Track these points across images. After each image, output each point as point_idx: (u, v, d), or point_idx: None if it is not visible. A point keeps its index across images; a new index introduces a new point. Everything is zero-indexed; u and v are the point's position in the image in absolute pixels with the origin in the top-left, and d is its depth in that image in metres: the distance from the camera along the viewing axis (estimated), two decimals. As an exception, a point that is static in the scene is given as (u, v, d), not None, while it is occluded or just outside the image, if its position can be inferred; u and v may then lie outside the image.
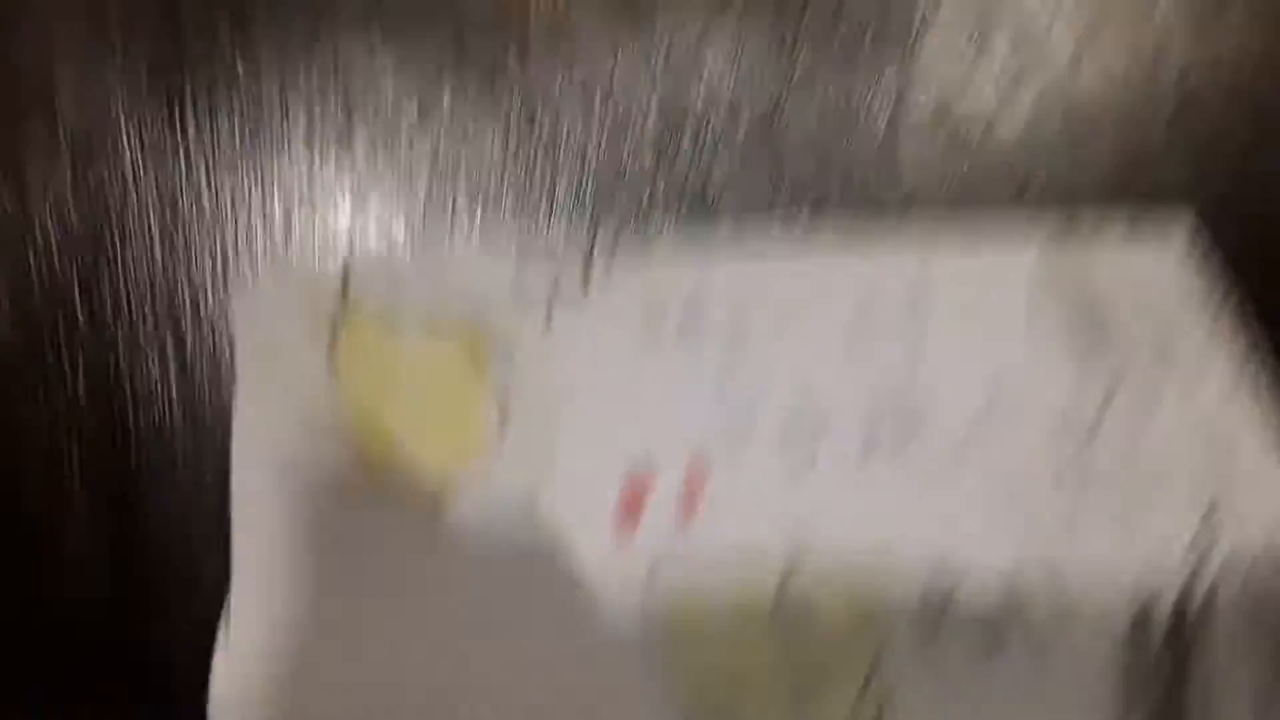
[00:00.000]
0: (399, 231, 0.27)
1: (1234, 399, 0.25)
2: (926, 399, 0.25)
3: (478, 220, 0.27)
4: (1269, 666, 0.22)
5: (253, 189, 0.27)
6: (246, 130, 0.27)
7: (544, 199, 0.27)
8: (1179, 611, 0.23)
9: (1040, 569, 0.23)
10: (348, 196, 0.27)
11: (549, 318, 0.26)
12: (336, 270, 0.26)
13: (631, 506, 0.24)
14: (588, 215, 0.27)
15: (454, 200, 0.27)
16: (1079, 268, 0.26)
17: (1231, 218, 0.27)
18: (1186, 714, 0.22)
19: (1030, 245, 0.27)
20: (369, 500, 0.24)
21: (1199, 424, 0.24)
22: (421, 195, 0.27)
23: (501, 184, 0.27)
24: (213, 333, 0.25)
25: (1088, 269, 0.27)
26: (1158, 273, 0.26)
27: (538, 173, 0.28)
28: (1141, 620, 0.23)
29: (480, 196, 0.27)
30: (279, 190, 0.27)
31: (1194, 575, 0.23)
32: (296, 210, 0.27)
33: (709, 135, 0.28)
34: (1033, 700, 0.22)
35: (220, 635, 0.22)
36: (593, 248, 0.26)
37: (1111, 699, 0.22)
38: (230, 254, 0.26)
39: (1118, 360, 0.25)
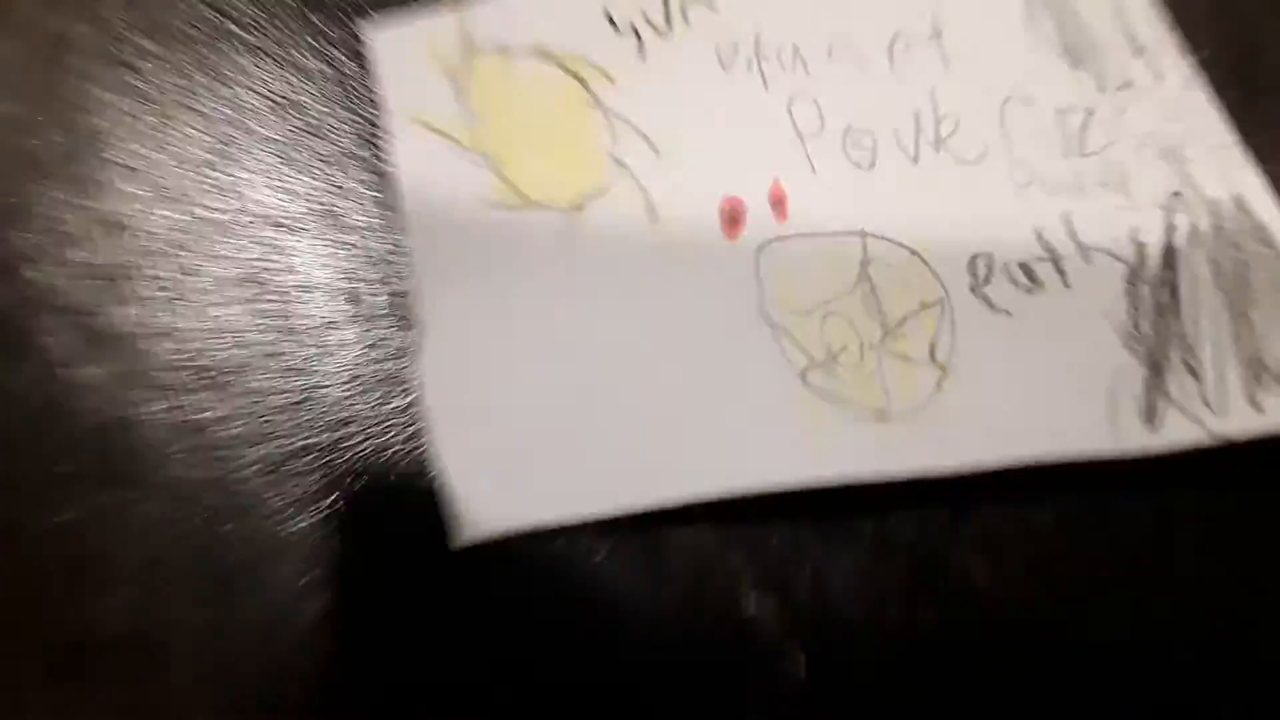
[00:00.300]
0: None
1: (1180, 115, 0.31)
2: (957, 104, 0.31)
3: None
4: (1231, 291, 0.29)
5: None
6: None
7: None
8: (1165, 249, 0.29)
9: (1060, 221, 0.29)
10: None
11: (641, 46, 0.30)
12: (455, 13, 0.30)
13: (733, 216, 0.29)
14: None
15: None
16: None
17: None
18: (1177, 322, 0.28)
19: None
20: (516, 217, 0.29)
21: (1161, 124, 0.31)
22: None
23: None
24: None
25: None
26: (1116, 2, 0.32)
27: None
28: (1139, 258, 0.29)
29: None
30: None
31: (1172, 227, 0.29)
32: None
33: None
34: (1066, 321, 0.28)
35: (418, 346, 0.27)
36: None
37: (1124, 315, 0.28)
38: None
39: (1099, 63, 0.31)
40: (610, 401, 0.27)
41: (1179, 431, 0.26)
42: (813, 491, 0.25)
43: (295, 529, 0.25)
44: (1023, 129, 0.31)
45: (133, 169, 0.29)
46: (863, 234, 0.29)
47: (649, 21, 0.31)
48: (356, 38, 0.30)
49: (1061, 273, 0.29)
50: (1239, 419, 0.27)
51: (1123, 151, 0.30)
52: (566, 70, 0.30)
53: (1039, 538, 0.26)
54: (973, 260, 0.29)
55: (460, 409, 0.26)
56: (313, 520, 0.26)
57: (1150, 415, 0.27)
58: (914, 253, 0.29)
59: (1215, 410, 0.27)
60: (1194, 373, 0.27)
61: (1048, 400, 0.27)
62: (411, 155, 0.29)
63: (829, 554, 0.26)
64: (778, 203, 0.29)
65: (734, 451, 0.26)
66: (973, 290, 0.28)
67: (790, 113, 0.30)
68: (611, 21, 0.31)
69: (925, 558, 0.26)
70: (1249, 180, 0.30)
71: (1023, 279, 0.29)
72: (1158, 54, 0.32)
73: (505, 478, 0.26)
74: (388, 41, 0.30)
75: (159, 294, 0.28)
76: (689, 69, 0.31)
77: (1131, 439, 0.26)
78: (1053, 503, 0.26)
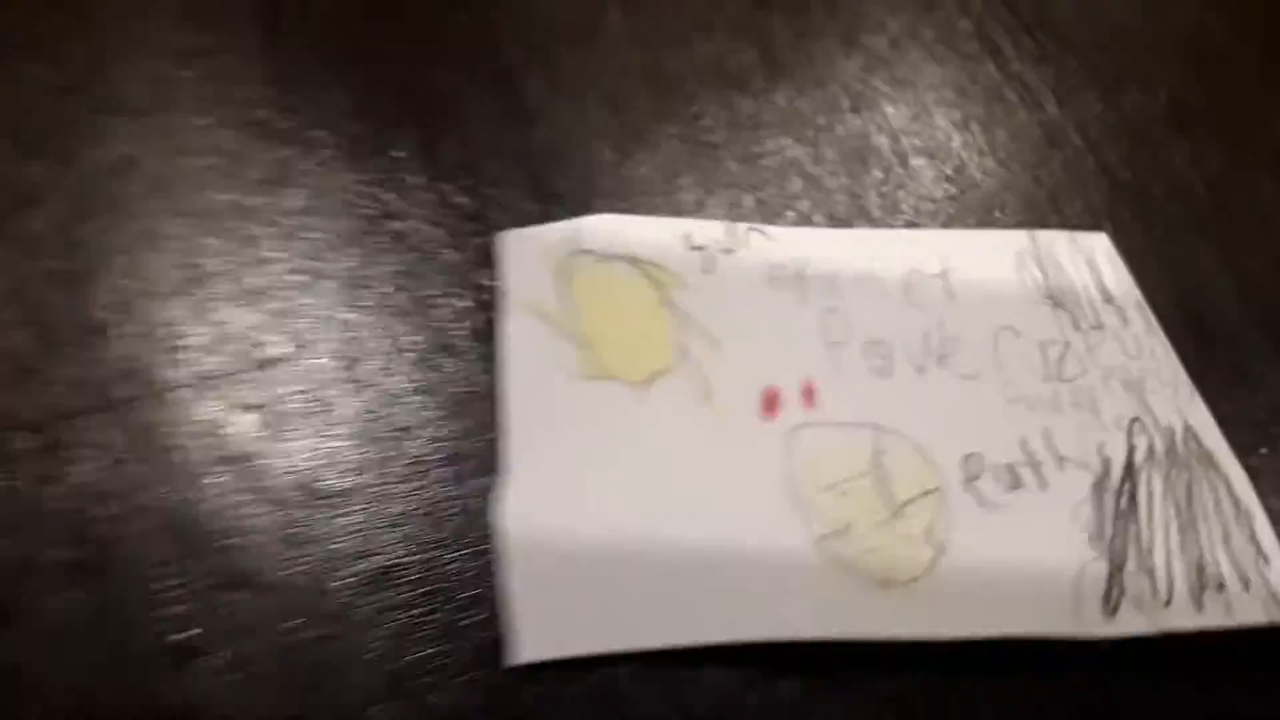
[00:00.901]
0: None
1: (1142, 354, 0.38)
2: (958, 330, 0.37)
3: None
4: (1181, 505, 0.35)
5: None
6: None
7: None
8: (1126, 466, 0.35)
9: (1040, 434, 0.35)
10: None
11: (710, 260, 0.37)
12: (572, 226, 0.37)
13: (770, 403, 0.35)
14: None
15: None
16: (1047, 246, 0.39)
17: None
18: (1135, 527, 0.34)
19: (1015, 236, 0.40)
20: (597, 387, 0.35)
21: (1125, 361, 0.37)
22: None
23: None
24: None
25: (1053, 248, 0.39)
26: (1091, 260, 0.39)
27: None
28: (1104, 470, 0.35)
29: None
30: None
31: (1133, 447, 0.35)
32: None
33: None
34: (1042, 518, 0.34)
35: (501, 487, 0.32)
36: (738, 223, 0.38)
37: (1090, 517, 0.34)
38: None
39: (1076, 306, 0.38)
40: (658, 551, 0.32)
41: (1131, 622, 0.32)
42: (822, 644, 0.30)
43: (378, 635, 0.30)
44: (1011, 354, 0.37)
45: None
46: (877, 427, 0.35)
47: (718, 242, 0.38)
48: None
49: (1040, 477, 0.34)
50: (1183, 615, 0.32)
51: (1093, 380, 0.37)
52: (648, 276, 0.37)
53: (1010, 700, 0.31)
54: (966, 458, 0.35)
55: (532, 544, 0.31)
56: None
57: (1108, 605, 0.32)
58: (918, 447, 0.35)
59: (1164, 606, 0.32)
60: (1148, 572, 0.33)
61: (1023, 586, 0.32)
62: (518, 332, 0.35)
63: (834, 700, 0.31)
64: (808, 394, 0.35)
65: (757, 604, 0.31)
66: (965, 484, 0.34)
67: (823, 323, 0.37)
68: (689, 242, 0.38)
69: (914, 711, 0.31)
70: (1199, 414, 0.36)
71: (1007, 478, 0.34)
72: (1124, 302, 0.39)
73: (562, 609, 0.31)
74: (513, 241, 0.37)
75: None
76: (746, 281, 0.37)
77: (1091, 625, 0.31)
78: (1021, 671, 0.31)
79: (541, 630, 0.30)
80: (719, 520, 0.32)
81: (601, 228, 0.37)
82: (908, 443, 0.35)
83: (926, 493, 0.34)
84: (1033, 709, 0.30)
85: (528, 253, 0.37)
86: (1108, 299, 0.39)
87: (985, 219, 0.41)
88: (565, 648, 0.30)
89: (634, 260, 0.37)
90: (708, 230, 0.38)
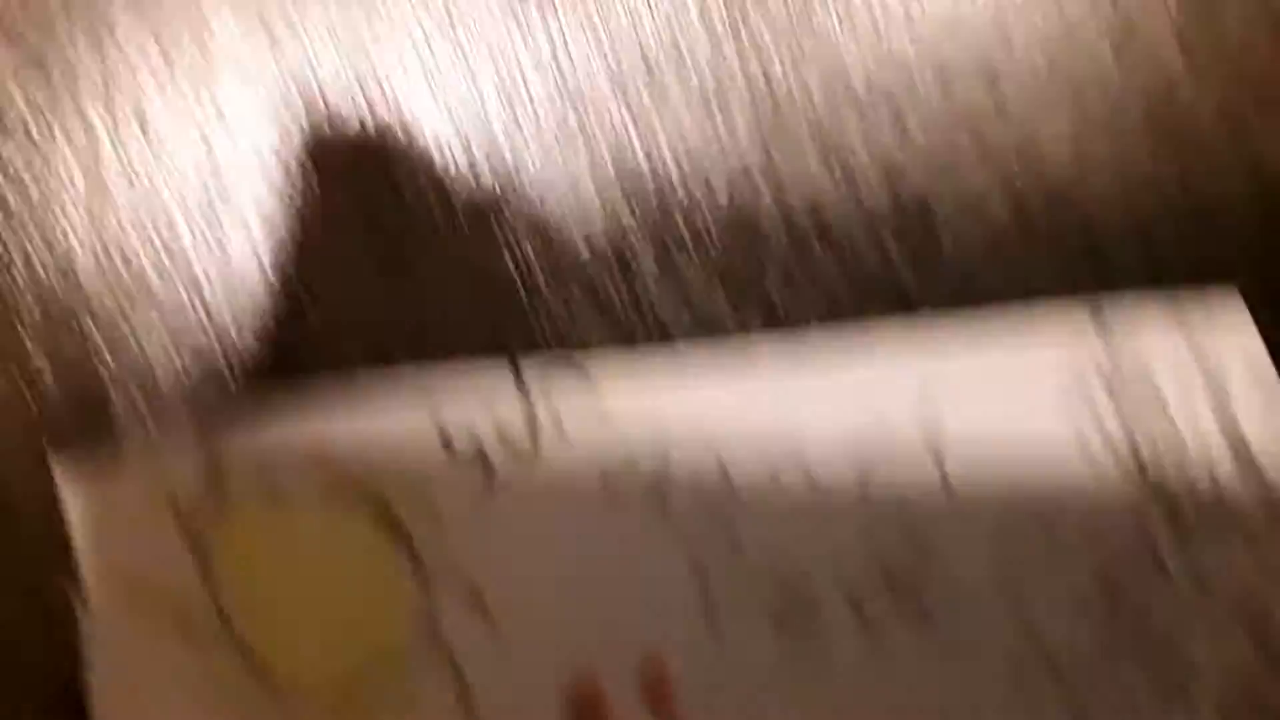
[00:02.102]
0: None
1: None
2: (956, 548, 0.20)
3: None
4: None
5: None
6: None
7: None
8: None
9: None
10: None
11: (491, 475, 0.20)
12: (196, 450, 0.19)
13: (584, 712, 0.20)
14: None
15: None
16: (1126, 340, 0.21)
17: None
18: None
19: (1054, 336, 0.21)
20: (267, 713, 0.19)
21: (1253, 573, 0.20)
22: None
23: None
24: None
25: (1137, 341, 0.21)
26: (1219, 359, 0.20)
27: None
28: None
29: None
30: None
31: None
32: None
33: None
34: None
35: None
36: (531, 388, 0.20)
37: None
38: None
39: (1173, 473, 0.20)
40: None
41: None
42: None
43: None
44: (1043, 589, 0.21)
45: None
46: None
47: (506, 439, 0.20)
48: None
49: None
50: None
51: (1188, 626, 0.20)
52: (363, 508, 0.20)
53: None
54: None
55: None
56: None
57: None
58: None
59: None
60: None
61: None
62: (111, 634, 0.19)
63: None
64: (656, 694, 0.20)
65: None
66: None
67: (695, 557, 0.20)
68: (449, 446, 0.20)
69: None
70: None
71: None
72: (1266, 443, 0.20)
73: None
74: (90, 484, 0.20)
75: None
76: (558, 498, 0.20)
77: None
78: None
79: None
80: None
81: (263, 443, 0.20)
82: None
83: None
84: None
85: (119, 502, 0.20)
86: (1242, 454, 0.20)
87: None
88: None
89: (337, 491, 0.20)
90: (481, 415, 0.20)
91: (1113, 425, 0.21)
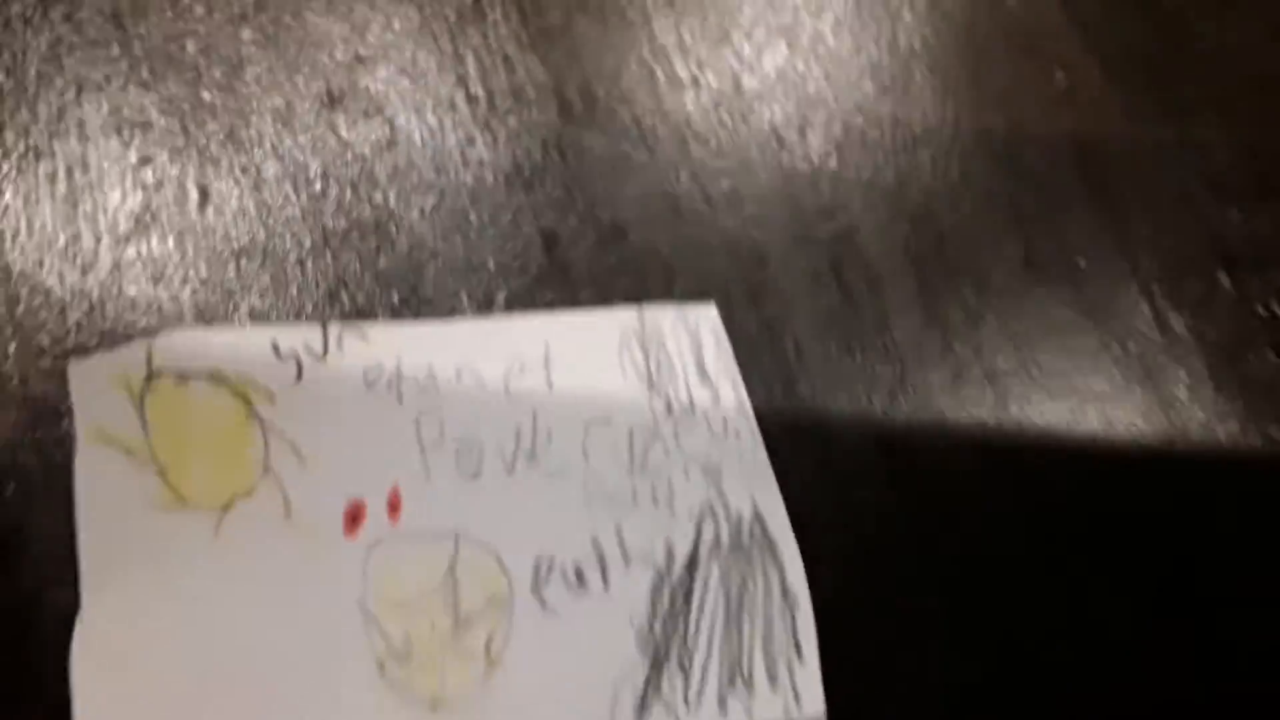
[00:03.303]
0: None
1: (728, 435, 0.39)
2: (552, 423, 0.39)
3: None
4: (732, 600, 0.38)
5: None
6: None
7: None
8: (690, 559, 0.38)
9: (613, 531, 0.38)
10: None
11: (300, 370, 0.37)
12: (142, 345, 0.36)
13: (353, 518, 0.37)
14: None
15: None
16: (654, 323, 0.40)
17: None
18: (684, 624, 0.37)
19: (620, 315, 0.40)
20: (172, 518, 0.36)
21: (708, 444, 0.39)
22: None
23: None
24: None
25: (659, 324, 0.40)
26: (695, 334, 0.41)
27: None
28: (668, 565, 0.38)
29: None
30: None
31: (698, 539, 0.38)
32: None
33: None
34: (600, 622, 0.37)
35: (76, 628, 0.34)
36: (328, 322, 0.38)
37: (644, 617, 0.37)
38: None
39: (672, 386, 0.40)
40: (230, 694, 0.34)
41: (658, 725, 0.36)
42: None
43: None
44: (600, 446, 0.39)
45: None
46: (457, 536, 0.37)
47: (309, 350, 0.38)
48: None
49: (605, 578, 0.37)
50: (706, 718, 0.36)
51: (674, 469, 0.39)
52: (233, 391, 0.37)
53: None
54: (537, 561, 0.37)
55: (103, 696, 0.34)
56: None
57: (641, 710, 0.36)
58: (494, 554, 0.37)
59: (690, 708, 0.36)
60: (684, 671, 0.36)
61: (570, 694, 0.36)
62: (88, 465, 0.36)
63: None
64: (393, 505, 0.37)
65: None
66: (533, 590, 0.37)
67: (418, 426, 0.38)
68: (276, 351, 0.38)
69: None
70: (769, 496, 0.39)
71: (574, 580, 0.37)
72: (719, 378, 0.40)
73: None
74: (81, 370, 0.37)
75: None
76: (339, 388, 0.38)
77: (620, 731, 0.35)
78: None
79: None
80: (288, 652, 0.35)
81: (177, 345, 0.37)
82: (485, 550, 0.37)
83: (493, 603, 0.36)
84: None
85: (98, 380, 0.37)
86: (704, 376, 0.40)
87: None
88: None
89: (216, 376, 0.37)
90: (297, 335, 0.38)
91: (639, 358, 0.40)
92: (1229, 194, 0.47)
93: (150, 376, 0.37)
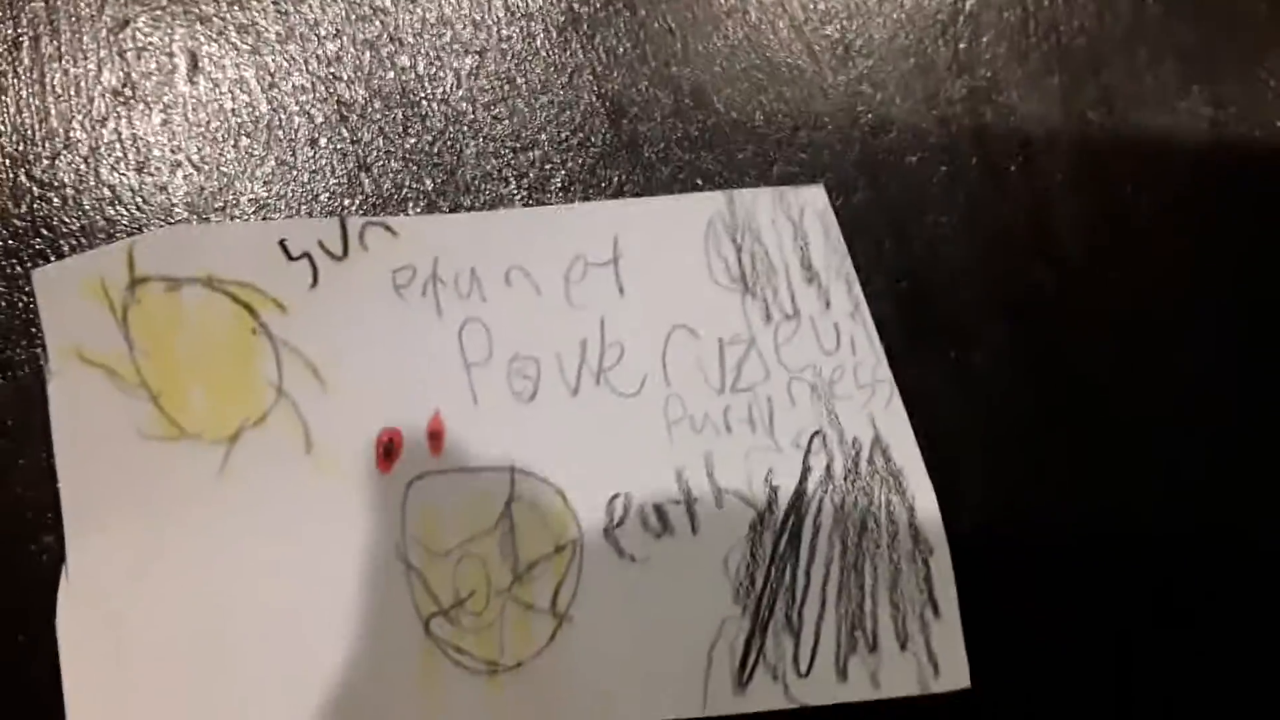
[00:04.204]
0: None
1: (841, 346, 0.32)
2: (624, 333, 0.32)
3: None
4: (848, 542, 0.31)
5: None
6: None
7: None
8: (796, 495, 0.31)
9: (701, 461, 0.31)
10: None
11: (315, 274, 0.31)
12: (123, 246, 0.30)
13: (387, 451, 0.30)
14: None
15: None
16: (747, 210, 0.33)
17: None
18: (792, 573, 0.30)
19: (705, 200, 0.32)
20: (167, 449, 0.30)
21: (817, 356, 0.32)
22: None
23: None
24: None
25: (754, 211, 0.33)
26: (802, 225, 0.33)
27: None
28: (769, 502, 0.31)
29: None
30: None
31: (805, 471, 0.31)
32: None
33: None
34: (687, 571, 0.30)
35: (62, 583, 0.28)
36: (346, 215, 0.31)
37: (742, 565, 0.30)
38: None
39: (772, 290, 0.32)
40: (236, 651, 0.29)
41: (764, 696, 0.29)
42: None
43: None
44: (684, 361, 0.32)
45: None
46: (512, 470, 0.30)
47: (325, 249, 0.31)
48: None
49: (693, 517, 0.31)
50: (821, 687, 0.29)
51: (775, 387, 0.32)
52: (233, 300, 0.31)
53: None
54: (612, 500, 0.30)
55: (94, 655, 0.28)
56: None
57: (741, 676, 0.29)
58: (559, 491, 0.30)
59: (802, 674, 0.29)
60: (793, 630, 0.30)
61: (653, 658, 0.29)
62: (64, 389, 0.29)
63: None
64: (435, 435, 0.31)
65: (353, 701, 0.28)
66: (605, 533, 0.30)
67: (460, 340, 0.31)
68: (285, 250, 0.31)
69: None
70: (895, 421, 0.32)
71: (655, 522, 0.30)
72: (830, 279, 0.33)
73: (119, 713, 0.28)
74: (49, 277, 0.30)
75: None
76: (363, 295, 0.31)
77: (720, 702, 0.29)
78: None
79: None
80: (315, 606, 0.29)
81: (164, 244, 0.31)
82: (547, 487, 0.30)
83: (559, 549, 0.30)
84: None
85: (70, 289, 0.30)
86: (810, 276, 0.32)
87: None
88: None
89: (211, 282, 0.31)
90: (310, 231, 0.31)
91: (729, 253, 0.33)
92: None
93: (133, 283, 0.30)
